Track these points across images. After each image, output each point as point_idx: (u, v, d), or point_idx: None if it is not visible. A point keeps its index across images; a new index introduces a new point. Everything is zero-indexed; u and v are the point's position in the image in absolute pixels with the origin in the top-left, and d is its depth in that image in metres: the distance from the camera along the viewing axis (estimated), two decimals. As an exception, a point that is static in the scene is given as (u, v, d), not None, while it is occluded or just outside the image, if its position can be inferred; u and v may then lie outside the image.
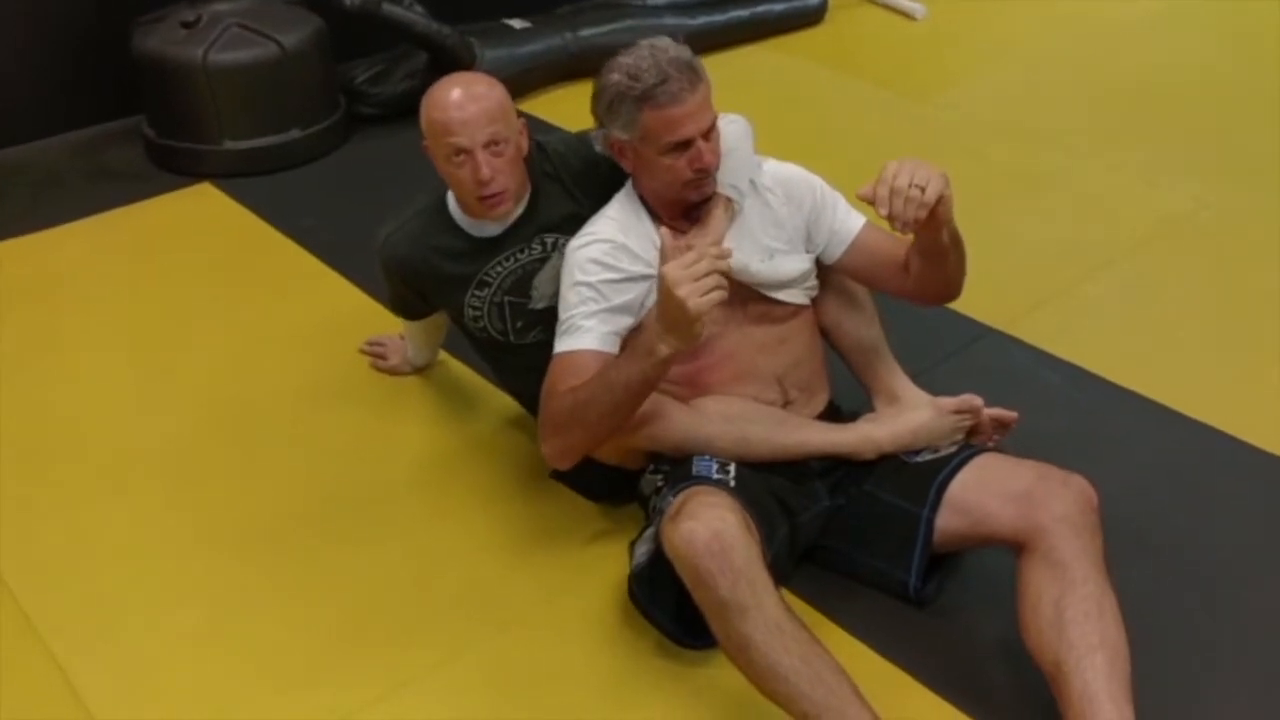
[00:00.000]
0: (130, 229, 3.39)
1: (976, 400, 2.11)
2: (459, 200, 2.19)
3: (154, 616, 2.10)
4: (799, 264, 2.11)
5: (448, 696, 1.94)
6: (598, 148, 2.11)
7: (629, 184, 2.12)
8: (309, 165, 3.72)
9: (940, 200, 1.79)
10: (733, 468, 1.97)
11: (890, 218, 1.78)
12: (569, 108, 4.07)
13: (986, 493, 1.93)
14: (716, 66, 4.79)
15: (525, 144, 2.15)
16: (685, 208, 2.05)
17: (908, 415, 2.12)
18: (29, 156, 3.78)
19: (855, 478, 2.09)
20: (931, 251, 1.97)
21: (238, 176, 3.61)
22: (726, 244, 2.00)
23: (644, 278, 2.03)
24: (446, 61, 3.93)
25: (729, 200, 2.06)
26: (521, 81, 4.13)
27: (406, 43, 3.95)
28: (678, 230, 2.05)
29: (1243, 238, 3.27)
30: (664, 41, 2.00)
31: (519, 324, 2.24)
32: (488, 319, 2.24)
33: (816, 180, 2.16)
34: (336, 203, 3.49)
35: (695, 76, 1.96)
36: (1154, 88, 4.24)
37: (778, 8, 4.68)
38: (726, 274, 1.78)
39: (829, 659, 1.72)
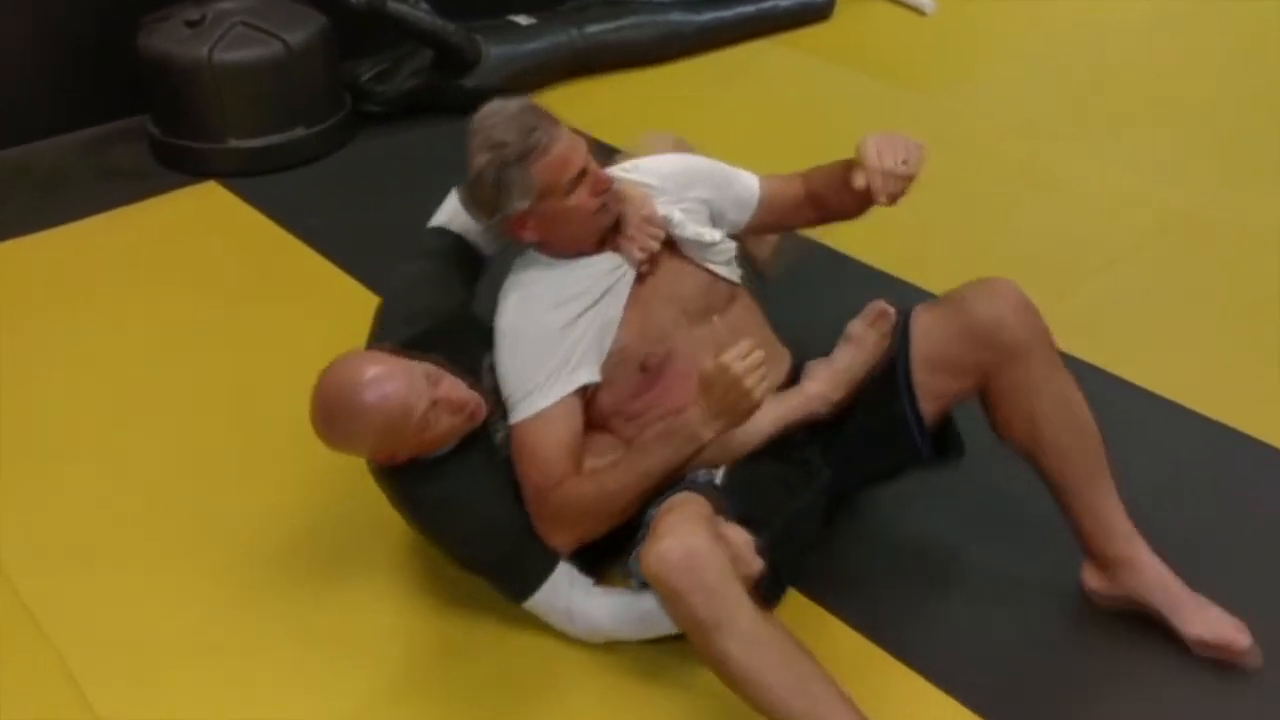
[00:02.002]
0: (135, 228, 3.38)
1: (880, 303, 2.05)
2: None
3: (159, 617, 2.09)
4: (712, 235, 2.08)
5: (445, 701, 1.93)
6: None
7: (517, 267, 2.06)
8: (314, 163, 3.71)
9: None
10: (721, 470, 1.94)
11: (886, 200, 1.83)
12: (575, 105, 4.06)
13: (943, 348, 1.98)
14: (723, 62, 4.79)
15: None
16: (603, 238, 2.02)
17: (833, 360, 2.05)
18: (34, 155, 3.77)
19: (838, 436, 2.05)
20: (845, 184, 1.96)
21: (243, 175, 3.60)
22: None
23: (589, 307, 1.97)
24: (452, 59, 3.93)
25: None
26: (527, 79, 4.12)
27: (412, 40, 3.94)
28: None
29: (1250, 234, 3.26)
30: (495, 104, 1.95)
31: None
32: None
33: (703, 162, 2.17)
34: (342, 201, 3.49)
35: (549, 116, 1.94)
36: (1162, 84, 4.23)
37: (784, 3, 4.66)
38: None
39: (811, 667, 1.69)
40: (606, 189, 1.96)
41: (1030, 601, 2.09)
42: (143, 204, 3.49)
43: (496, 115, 1.92)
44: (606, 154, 3.62)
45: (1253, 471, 2.40)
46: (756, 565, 1.76)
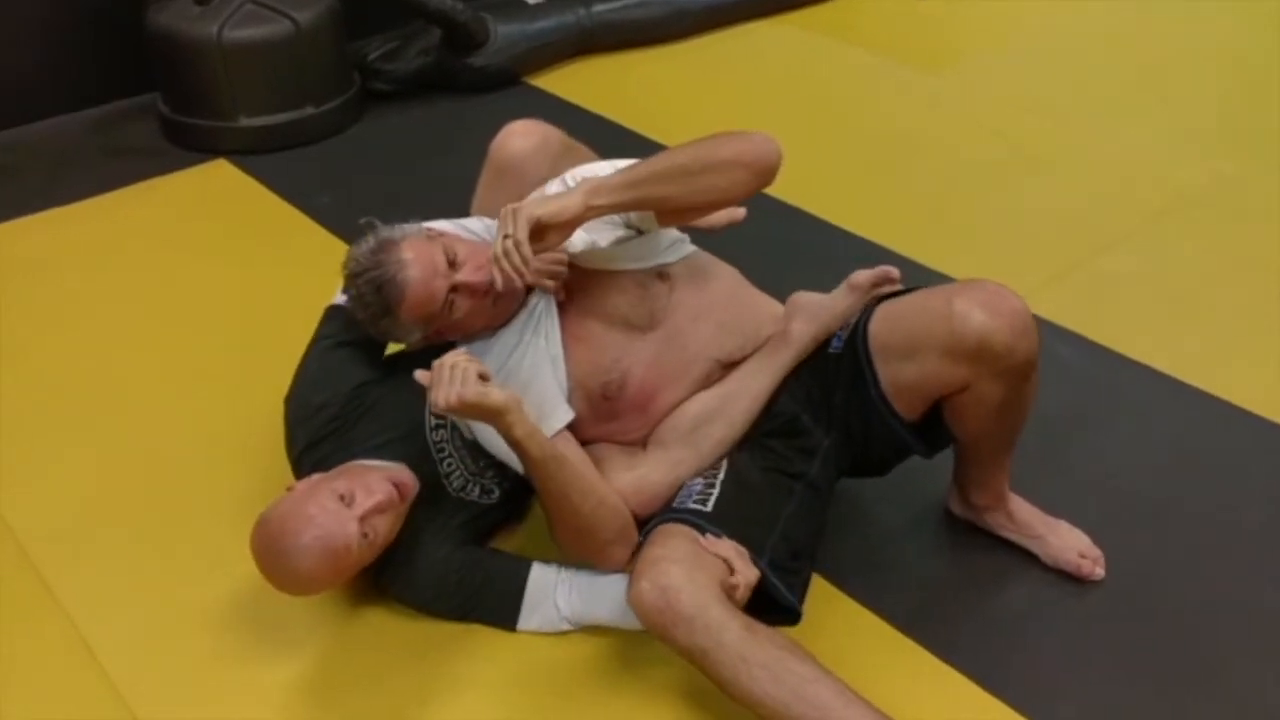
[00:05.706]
0: (146, 206, 3.40)
1: (894, 272, 2.05)
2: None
3: (171, 585, 2.12)
4: (611, 234, 2.02)
5: (447, 701, 1.94)
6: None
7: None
8: (323, 142, 3.72)
9: (538, 222, 1.75)
10: (717, 486, 1.92)
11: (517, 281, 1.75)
12: (582, 83, 4.07)
13: (920, 356, 1.87)
14: (729, 41, 4.78)
15: None
16: (519, 304, 2.00)
17: (828, 305, 2.05)
18: (45, 134, 3.79)
19: (829, 404, 2.02)
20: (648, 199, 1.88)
21: (253, 153, 3.62)
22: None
23: (525, 354, 1.98)
24: (460, 38, 3.94)
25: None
26: (535, 57, 4.12)
27: (420, 19, 3.95)
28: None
29: (1261, 211, 3.27)
30: (355, 251, 1.94)
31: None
32: None
33: (595, 166, 2.07)
34: (351, 179, 3.50)
35: (393, 246, 1.90)
36: (1173, 60, 4.23)
37: (791, -18, 4.67)
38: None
39: (808, 669, 1.69)
40: (481, 288, 1.89)
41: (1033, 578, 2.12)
42: (153, 182, 3.51)
43: (354, 267, 1.92)
44: (615, 132, 3.65)
45: (1262, 451, 2.41)
46: (752, 573, 1.77)
